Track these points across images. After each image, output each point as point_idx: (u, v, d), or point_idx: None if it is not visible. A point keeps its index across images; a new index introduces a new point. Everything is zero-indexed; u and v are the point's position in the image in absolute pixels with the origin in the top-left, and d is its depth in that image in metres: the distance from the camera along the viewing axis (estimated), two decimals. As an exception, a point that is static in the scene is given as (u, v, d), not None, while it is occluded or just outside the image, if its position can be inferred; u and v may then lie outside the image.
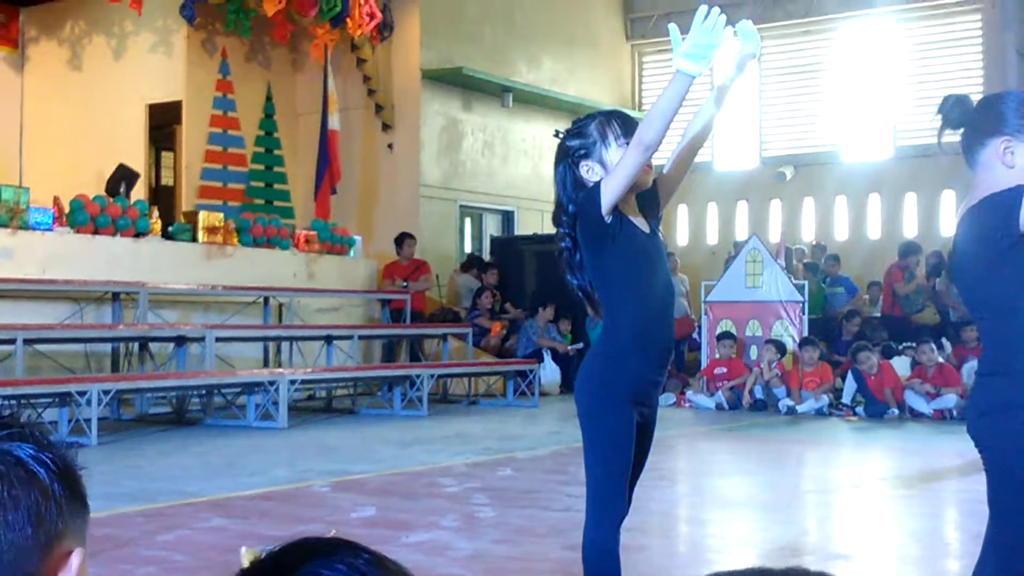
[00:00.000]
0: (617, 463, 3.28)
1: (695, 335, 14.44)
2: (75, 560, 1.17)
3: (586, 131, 3.37)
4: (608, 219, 3.25)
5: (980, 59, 16.84)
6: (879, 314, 14.60)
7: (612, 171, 3.25)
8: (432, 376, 11.81)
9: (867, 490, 7.34)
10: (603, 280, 3.34)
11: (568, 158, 3.39)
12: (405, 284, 13.87)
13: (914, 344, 12.57)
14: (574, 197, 3.35)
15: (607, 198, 3.21)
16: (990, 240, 2.78)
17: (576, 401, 3.40)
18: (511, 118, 16.86)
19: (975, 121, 2.91)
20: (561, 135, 3.47)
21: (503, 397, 12.80)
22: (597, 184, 3.27)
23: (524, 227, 16.98)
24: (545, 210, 17.06)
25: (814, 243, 16.88)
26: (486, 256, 16.07)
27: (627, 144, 3.23)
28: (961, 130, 2.95)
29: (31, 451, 1.18)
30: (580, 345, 13.93)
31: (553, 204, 3.49)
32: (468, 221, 16.91)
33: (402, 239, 14.27)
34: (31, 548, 1.15)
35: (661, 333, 3.37)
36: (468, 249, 16.68)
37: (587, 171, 3.35)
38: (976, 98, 3.00)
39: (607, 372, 3.30)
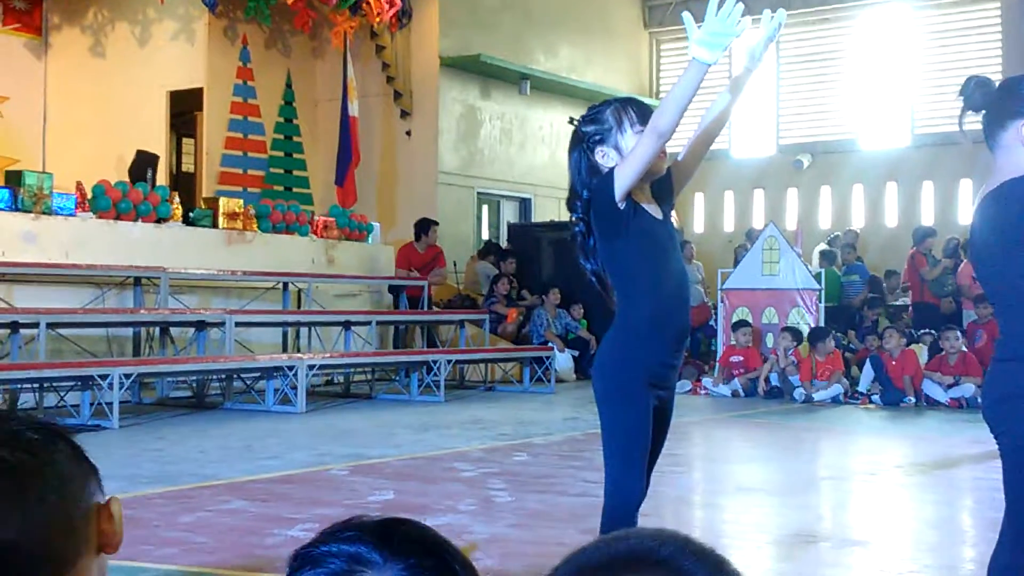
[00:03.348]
0: (635, 447, 3.32)
1: (712, 322, 14.45)
2: (116, 509, 1.20)
3: (602, 117, 3.39)
4: (621, 206, 3.27)
5: (999, 47, 16.77)
6: (908, 303, 14.55)
7: (626, 158, 3.26)
8: (449, 362, 11.87)
9: (883, 477, 7.37)
10: (616, 266, 3.38)
11: (583, 144, 3.40)
12: (418, 275, 13.73)
13: (934, 331, 12.56)
14: (588, 183, 3.37)
15: (621, 185, 3.24)
16: (1009, 227, 2.80)
17: (593, 386, 3.43)
18: (529, 105, 16.88)
19: (996, 103, 2.91)
20: (576, 121, 3.48)
21: (520, 383, 12.86)
22: (611, 171, 3.28)
23: (541, 214, 17.01)
24: (562, 197, 16.93)
25: (847, 229, 16.74)
26: (503, 243, 16.10)
27: (642, 131, 3.25)
28: (982, 113, 2.96)
29: (38, 422, 1.20)
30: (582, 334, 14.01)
31: (568, 190, 3.52)
32: (486, 208, 16.95)
33: (427, 226, 13.92)
34: (85, 503, 1.17)
35: (676, 317, 3.40)
36: (485, 236, 16.72)
37: (602, 157, 3.37)
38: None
39: (623, 356, 3.34)
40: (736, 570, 1.02)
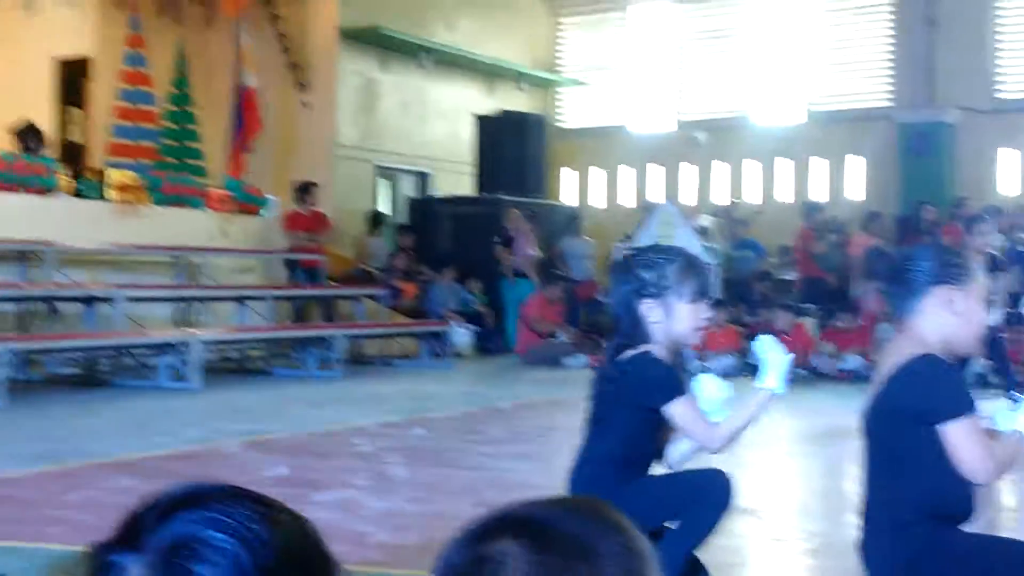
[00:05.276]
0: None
1: (599, 296, 14.53)
2: None
3: (664, 271, 3.29)
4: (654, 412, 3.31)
5: (892, 24, 17.08)
6: (797, 277, 14.81)
7: (684, 422, 3.34)
8: (346, 337, 11.79)
9: (770, 448, 7.52)
10: (611, 420, 3.42)
11: (634, 285, 3.31)
12: (311, 238, 13.47)
13: (822, 306, 12.85)
14: (631, 332, 3.32)
15: (666, 413, 3.30)
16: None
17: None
18: (429, 79, 16.78)
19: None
20: (627, 247, 3.48)
21: (417, 358, 12.83)
22: (671, 386, 3.29)
23: (440, 189, 16.96)
24: (461, 172, 17.05)
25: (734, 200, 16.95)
26: (402, 218, 16.03)
27: (700, 304, 3.31)
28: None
29: None
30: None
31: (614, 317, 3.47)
32: (384, 182, 16.85)
33: (308, 187, 13.56)
34: None
35: None
36: (383, 210, 16.60)
37: (648, 309, 3.29)
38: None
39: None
40: (620, 524, 1.02)
